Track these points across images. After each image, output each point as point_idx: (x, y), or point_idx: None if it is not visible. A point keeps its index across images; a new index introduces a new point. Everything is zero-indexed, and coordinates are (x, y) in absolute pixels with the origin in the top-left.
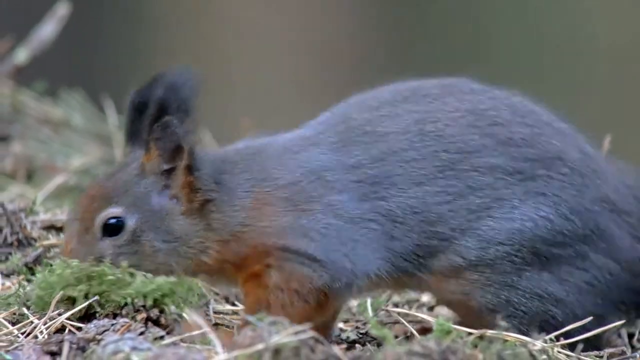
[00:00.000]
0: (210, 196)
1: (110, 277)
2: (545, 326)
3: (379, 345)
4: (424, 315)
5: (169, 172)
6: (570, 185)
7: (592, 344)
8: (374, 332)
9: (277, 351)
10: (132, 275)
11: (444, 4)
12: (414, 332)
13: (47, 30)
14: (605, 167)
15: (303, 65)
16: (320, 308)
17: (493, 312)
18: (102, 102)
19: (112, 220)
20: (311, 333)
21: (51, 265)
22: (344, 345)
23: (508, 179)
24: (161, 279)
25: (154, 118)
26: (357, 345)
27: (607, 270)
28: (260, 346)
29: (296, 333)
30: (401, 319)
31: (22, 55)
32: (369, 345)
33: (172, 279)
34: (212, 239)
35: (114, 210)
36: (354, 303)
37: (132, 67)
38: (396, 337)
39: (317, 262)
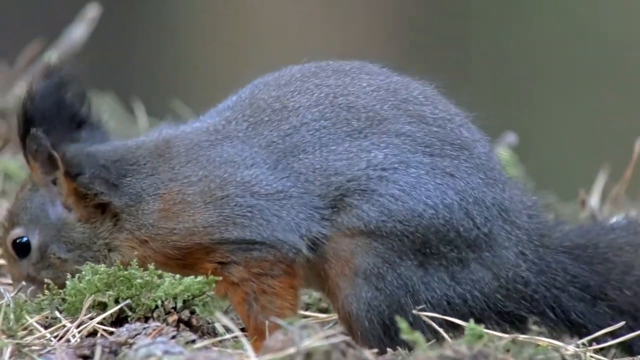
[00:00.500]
0: (103, 199)
1: (139, 281)
2: (392, 318)
3: (410, 349)
4: None
5: (56, 182)
6: (476, 176)
7: (626, 350)
8: (405, 336)
9: (308, 355)
10: (160, 277)
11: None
12: (445, 336)
13: (78, 32)
14: (504, 176)
15: None
16: (292, 275)
17: (365, 279)
18: (133, 104)
19: (19, 241)
20: (342, 337)
21: (80, 272)
22: (375, 350)
23: (416, 147)
24: (189, 280)
25: (23, 133)
26: (388, 349)
27: (480, 286)
28: (291, 350)
29: (327, 337)
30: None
31: (52, 57)
32: (400, 349)
33: (200, 279)
34: (122, 239)
35: (17, 231)
36: None
37: (162, 69)
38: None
39: (257, 243)
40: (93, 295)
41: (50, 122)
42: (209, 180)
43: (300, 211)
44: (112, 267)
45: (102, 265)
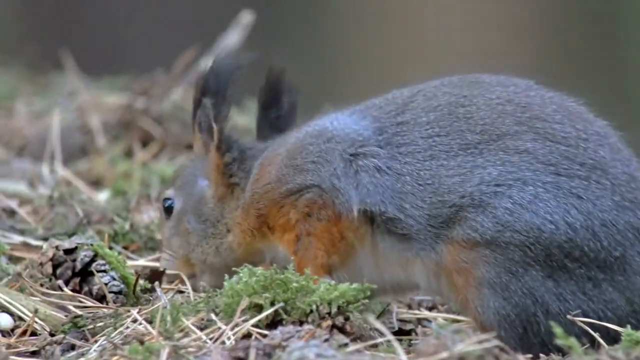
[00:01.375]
0: (235, 180)
1: (295, 285)
2: (525, 326)
3: (563, 354)
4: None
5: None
6: (608, 199)
7: None
8: (559, 341)
9: (461, 359)
10: (316, 282)
11: None
12: (602, 341)
13: (232, 38)
14: None
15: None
16: (336, 224)
17: (490, 289)
18: None
19: (166, 202)
20: (496, 342)
21: (238, 274)
22: (529, 355)
23: (537, 165)
24: (344, 286)
25: (196, 103)
26: (541, 354)
27: (613, 307)
28: (444, 354)
29: (480, 341)
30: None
31: (207, 64)
32: (553, 355)
33: (355, 285)
34: (236, 217)
35: (168, 192)
36: None
37: (313, 75)
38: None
39: (315, 186)
40: (249, 297)
41: (221, 97)
42: (296, 145)
43: (381, 192)
44: (269, 270)
45: (260, 267)
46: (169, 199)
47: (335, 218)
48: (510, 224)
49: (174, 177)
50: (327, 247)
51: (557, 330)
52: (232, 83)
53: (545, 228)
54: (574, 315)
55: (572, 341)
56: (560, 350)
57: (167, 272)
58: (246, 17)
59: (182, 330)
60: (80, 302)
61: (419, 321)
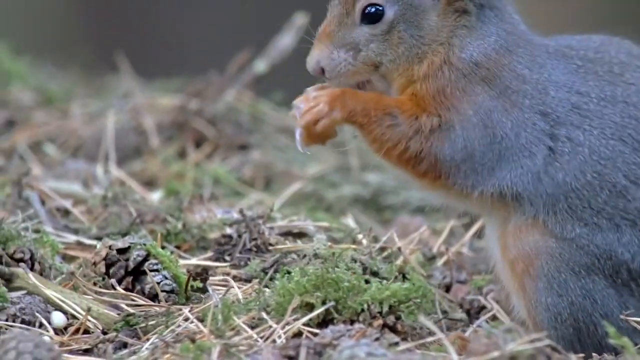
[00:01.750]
0: (469, 7)
1: (346, 284)
2: (580, 327)
3: (617, 354)
4: None
5: None
6: None
7: None
8: (612, 341)
9: (512, 358)
10: (367, 281)
11: None
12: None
13: (286, 40)
14: None
15: None
16: (415, 169)
17: (547, 283)
18: None
19: (372, 9)
20: (548, 341)
21: (289, 273)
22: (581, 355)
23: None
24: (396, 285)
25: None
26: (594, 354)
27: None
28: (495, 354)
29: (532, 340)
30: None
31: (261, 65)
32: (606, 354)
33: (406, 285)
34: (441, 52)
35: None
36: None
37: None
38: None
39: (464, 151)
40: (301, 296)
41: None
42: (520, 87)
43: (527, 171)
44: (320, 269)
45: (311, 267)
46: (377, 4)
47: (437, 173)
48: (590, 241)
49: None
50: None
51: (610, 329)
52: None
53: (622, 256)
54: (628, 315)
55: (625, 341)
56: (614, 350)
57: (334, 73)
58: (300, 19)
59: (233, 329)
60: (133, 300)
61: (471, 321)
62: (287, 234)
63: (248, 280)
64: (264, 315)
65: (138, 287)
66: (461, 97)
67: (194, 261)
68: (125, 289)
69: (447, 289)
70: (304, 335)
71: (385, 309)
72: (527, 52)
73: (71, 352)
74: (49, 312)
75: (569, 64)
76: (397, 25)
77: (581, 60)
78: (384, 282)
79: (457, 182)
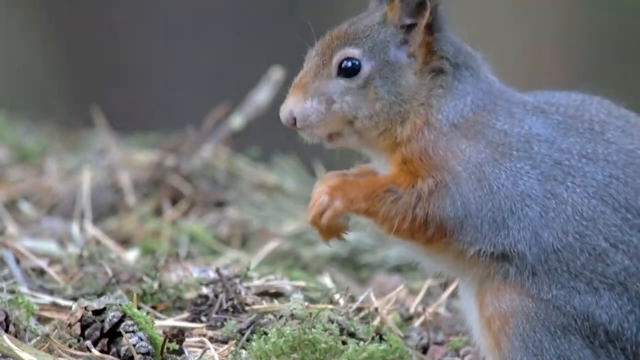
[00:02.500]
0: (444, 66)
1: (323, 345)
2: None
3: None
4: None
5: (409, 28)
6: None
7: None
8: None
9: None
10: (344, 343)
11: None
12: None
13: (262, 95)
14: None
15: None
16: (424, 235)
17: (522, 342)
18: (314, 167)
19: (350, 62)
20: None
21: (266, 334)
22: None
23: None
24: (373, 347)
25: None
26: None
27: None
28: None
29: None
30: None
31: (237, 120)
32: None
33: (384, 346)
34: (421, 113)
35: (353, 51)
36: None
37: None
38: None
39: (463, 209)
40: (277, 359)
41: None
42: (504, 141)
43: (523, 228)
44: (297, 330)
45: (288, 328)
46: (353, 59)
47: (439, 236)
48: (571, 299)
49: (348, 35)
50: (401, 226)
51: None
52: None
53: (600, 319)
54: None
55: None
56: None
57: (306, 123)
58: (276, 73)
59: None
60: None
61: None
62: (264, 293)
63: (224, 342)
64: None
65: (114, 349)
66: (446, 155)
67: (170, 322)
68: (101, 351)
69: (425, 350)
70: None
71: None
72: (504, 109)
73: None
74: None
75: (548, 119)
76: (374, 80)
77: (561, 116)
78: (361, 343)
79: (459, 239)
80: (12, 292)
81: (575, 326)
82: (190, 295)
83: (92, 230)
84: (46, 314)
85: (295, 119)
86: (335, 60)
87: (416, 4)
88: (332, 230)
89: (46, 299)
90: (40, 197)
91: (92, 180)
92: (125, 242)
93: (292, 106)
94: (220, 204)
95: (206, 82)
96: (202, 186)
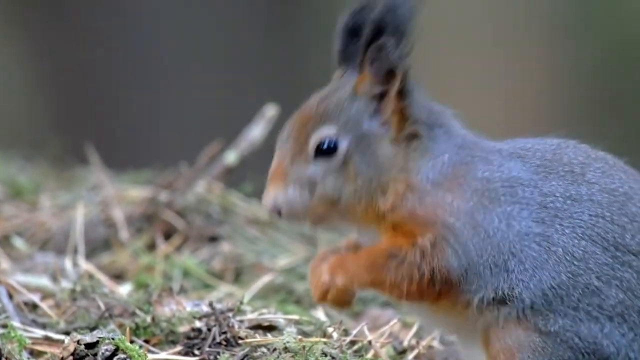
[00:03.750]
0: (419, 130)
1: None
2: None
3: None
4: None
5: (381, 97)
6: None
7: None
8: None
9: None
10: None
11: None
12: None
13: (256, 131)
14: None
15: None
16: (432, 293)
17: None
18: None
19: (327, 141)
20: None
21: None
22: None
23: None
24: None
25: (369, 39)
26: None
27: None
28: None
29: None
30: None
31: (231, 157)
32: None
33: None
34: (399, 179)
35: (329, 131)
36: None
37: None
38: None
39: (465, 258)
40: None
41: (401, 36)
42: (488, 187)
43: (525, 269)
44: None
45: None
46: (330, 137)
47: (446, 292)
48: (578, 330)
49: (320, 113)
50: (410, 289)
51: None
52: (413, 20)
53: (607, 349)
54: None
55: None
56: None
57: (292, 213)
58: (271, 110)
59: None
60: None
61: None
62: (257, 327)
63: None
64: None
65: None
66: (435, 211)
67: (163, 355)
68: None
69: None
70: None
71: None
72: (481, 159)
73: None
74: None
75: (527, 164)
76: (352, 156)
77: (539, 160)
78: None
79: (465, 289)
80: (4, 326)
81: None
82: (183, 328)
83: (85, 265)
84: (39, 347)
85: (280, 210)
86: (312, 143)
87: (386, 72)
88: (340, 304)
89: (39, 332)
90: (33, 232)
91: (86, 215)
92: (119, 276)
93: (275, 197)
94: (213, 239)
95: (200, 119)
96: (196, 221)
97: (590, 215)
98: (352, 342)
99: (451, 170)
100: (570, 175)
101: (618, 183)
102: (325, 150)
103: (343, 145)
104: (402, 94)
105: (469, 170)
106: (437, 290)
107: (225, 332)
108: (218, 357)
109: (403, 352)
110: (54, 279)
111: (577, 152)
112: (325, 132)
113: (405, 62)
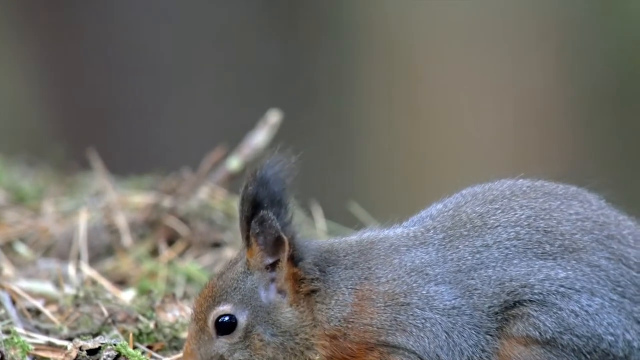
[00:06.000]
0: (315, 286)
1: None
2: None
3: None
4: None
5: (273, 266)
6: None
7: None
8: None
9: None
10: None
11: None
12: None
13: (259, 138)
14: None
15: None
16: None
17: None
18: (311, 207)
19: (225, 319)
20: None
21: None
22: None
23: (607, 282)
24: None
25: (250, 215)
26: None
27: None
28: None
29: None
30: None
31: (234, 163)
32: None
33: None
34: (318, 335)
35: (224, 308)
36: None
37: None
38: None
39: (415, 354)
40: None
41: (278, 205)
42: (396, 284)
43: (470, 335)
44: None
45: None
46: (227, 315)
47: None
48: (572, 328)
49: (216, 294)
50: None
51: None
52: (287, 188)
53: (605, 338)
54: None
55: None
56: None
57: None
58: (274, 117)
59: None
60: None
61: None
62: None
63: None
64: None
65: None
66: (364, 336)
67: None
68: None
69: None
70: None
71: None
72: (380, 265)
73: None
74: None
75: (428, 247)
76: (254, 328)
77: (439, 233)
78: None
79: None
80: (7, 332)
81: None
82: (186, 334)
83: (88, 271)
84: (42, 353)
85: None
86: (210, 322)
87: (273, 243)
88: None
89: (42, 338)
90: (36, 238)
91: (89, 221)
92: (122, 282)
93: None
94: (216, 245)
95: (203, 125)
96: (199, 227)
97: (500, 252)
98: None
99: (353, 293)
100: (473, 231)
101: (520, 212)
102: (224, 327)
103: (242, 320)
104: (292, 259)
105: (371, 282)
106: None
107: None
108: None
109: None
110: (57, 285)
111: (474, 204)
112: (221, 310)
113: (289, 229)
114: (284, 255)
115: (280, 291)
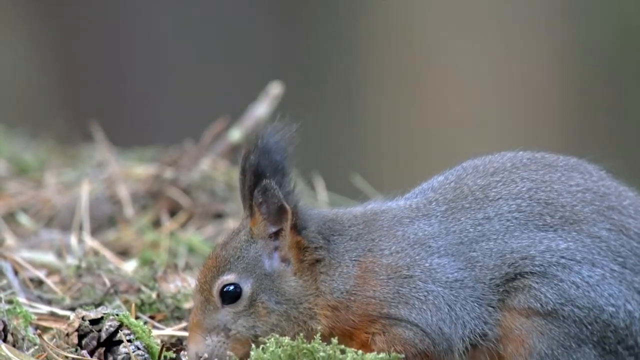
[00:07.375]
0: (320, 255)
1: (322, 354)
2: None
3: None
4: None
5: (276, 234)
6: None
7: None
8: None
9: None
10: (342, 351)
11: None
12: None
13: (261, 109)
14: None
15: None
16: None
17: (540, 359)
18: (313, 179)
19: (230, 288)
20: None
21: (264, 343)
22: None
23: (608, 253)
24: (371, 355)
25: (252, 184)
26: None
27: None
28: None
29: None
30: None
31: (236, 134)
32: None
33: (382, 355)
34: (320, 305)
35: (229, 277)
36: None
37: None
38: None
39: (418, 327)
40: None
41: (281, 174)
42: (399, 257)
43: (472, 308)
44: (296, 340)
45: (286, 337)
46: (231, 284)
47: (428, 358)
48: (573, 299)
49: (220, 264)
50: None
51: None
52: (288, 156)
53: (606, 309)
54: None
55: None
56: None
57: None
58: (275, 88)
59: None
60: None
61: None
62: None
63: None
64: None
65: (111, 358)
66: (367, 308)
67: (168, 331)
68: None
69: None
70: None
71: None
72: (384, 237)
73: None
74: None
75: (431, 219)
76: (258, 297)
77: (441, 206)
78: (359, 351)
79: (439, 350)
80: (10, 302)
81: (586, 333)
82: (188, 305)
83: (90, 242)
84: (44, 323)
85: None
86: (215, 291)
87: (276, 211)
88: None
89: (44, 308)
90: (38, 209)
91: (91, 192)
92: (124, 253)
93: (195, 348)
94: (218, 216)
95: (205, 97)
96: (201, 198)
97: (501, 224)
98: None
99: (357, 267)
100: (475, 203)
101: (520, 184)
102: (229, 296)
103: (246, 288)
104: (296, 228)
105: (375, 254)
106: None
107: None
108: None
109: None
110: (60, 255)
111: (475, 176)
112: (226, 279)
113: (292, 198)
114: (287, 224)
115: (284, 260)
